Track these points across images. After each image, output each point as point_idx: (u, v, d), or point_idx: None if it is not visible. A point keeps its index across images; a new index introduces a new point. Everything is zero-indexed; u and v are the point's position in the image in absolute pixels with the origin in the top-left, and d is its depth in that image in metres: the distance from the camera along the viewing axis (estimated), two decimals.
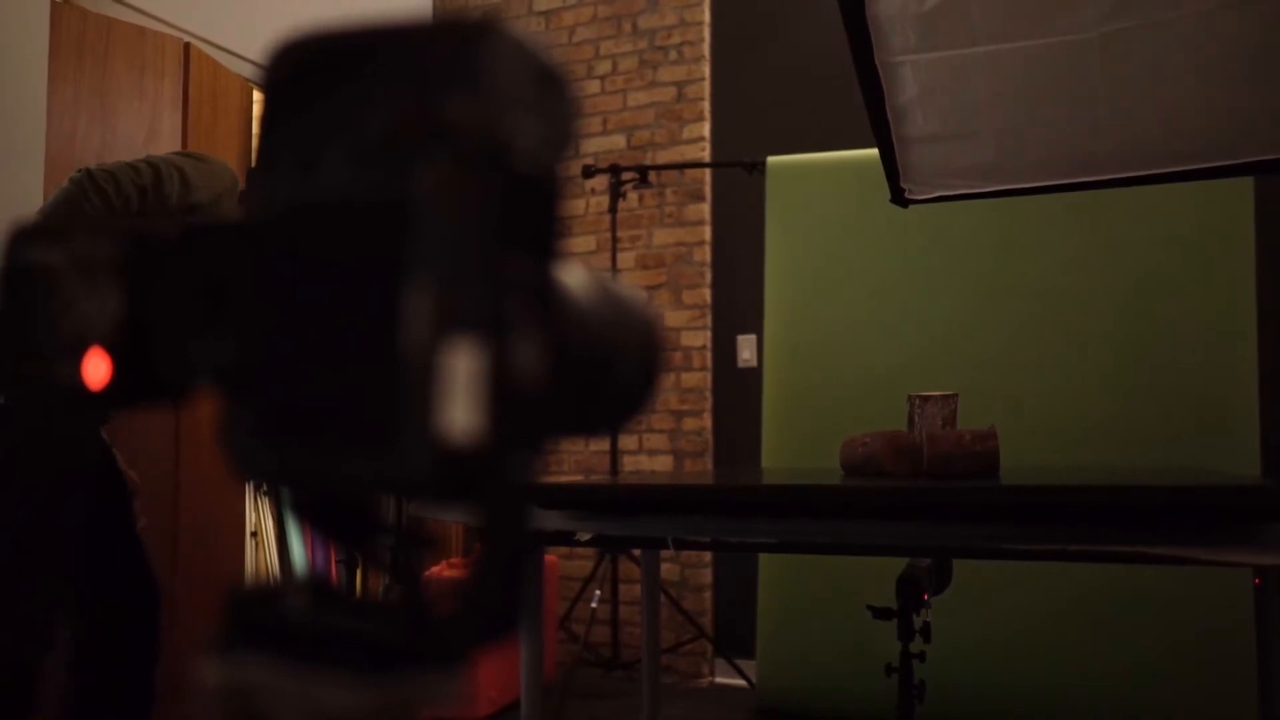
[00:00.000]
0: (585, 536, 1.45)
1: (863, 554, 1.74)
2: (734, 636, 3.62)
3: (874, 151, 2.16)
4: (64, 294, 0.29)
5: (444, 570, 3.16)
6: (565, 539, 1.44)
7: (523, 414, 0.26)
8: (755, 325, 3.53)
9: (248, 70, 3.34)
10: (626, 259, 3.96)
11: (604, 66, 4.09)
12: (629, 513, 1.40)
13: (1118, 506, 1.19)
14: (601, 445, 3.79)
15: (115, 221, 0.30)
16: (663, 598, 3.28)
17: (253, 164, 0.29)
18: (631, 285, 0.38)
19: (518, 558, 0.26)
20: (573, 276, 0.32)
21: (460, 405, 0.25)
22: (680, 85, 3.97)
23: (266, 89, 0.29)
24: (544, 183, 0.27)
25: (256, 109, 2.68)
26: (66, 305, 0.29)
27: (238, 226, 0.29)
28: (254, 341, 0.27)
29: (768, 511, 1.36)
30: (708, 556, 3.76)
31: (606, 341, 0.34)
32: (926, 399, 1.77)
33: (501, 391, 0.26)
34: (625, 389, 0.36)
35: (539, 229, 0.27)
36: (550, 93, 0.27)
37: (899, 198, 2.27)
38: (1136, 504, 1.19)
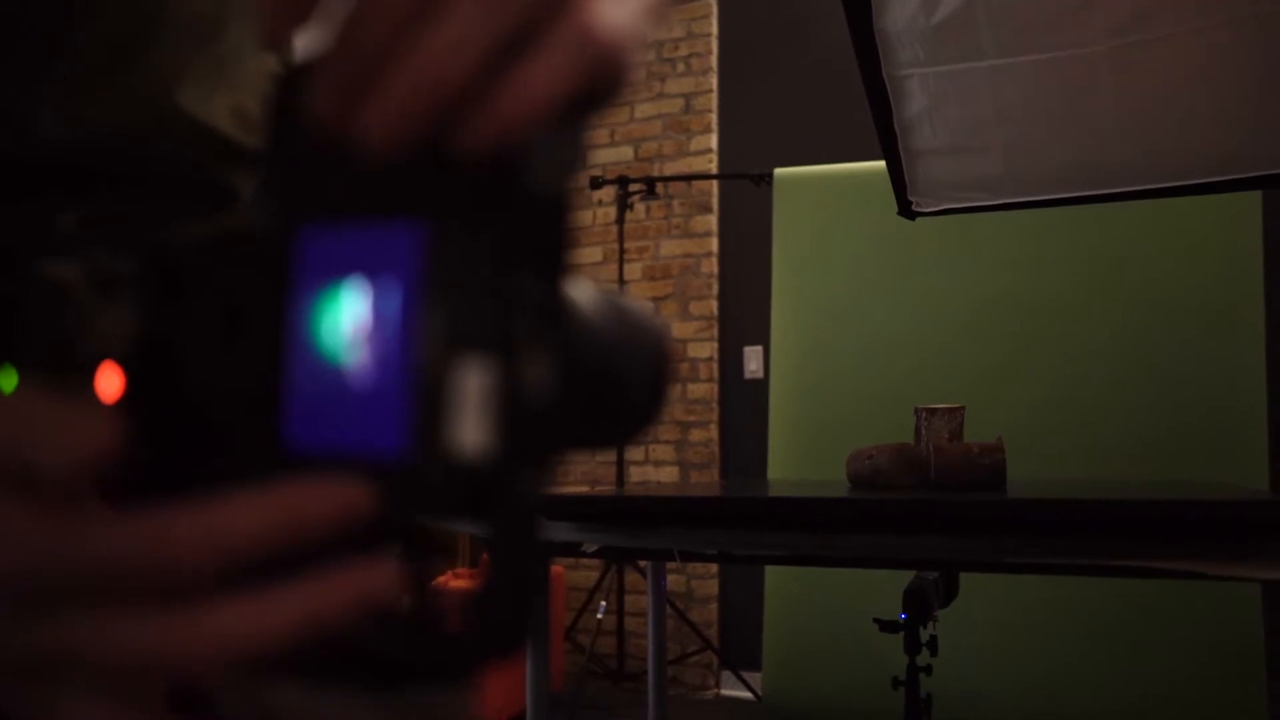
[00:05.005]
0: (591, 548, 1.45)
1: (869, 566, 1.74)
2: (740, 648, 3.61)
3: (882, 164, 2.17)
4: (81, 309, 0.30)
5: (451, 580, 3.16)
6: (571, 550, 1.44)
7: (532, 429, 0.27)
8: (762, 337, 3.53)
9: None
10: (633, 270, 3.96)
11: None
12: (635, 524, 1.40)
13: (1126, 520, 1.19)
14: (608, 456, 3.79)
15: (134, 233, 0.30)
16: (669, 609, 3.27)
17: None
18: (639, 299, 0.38)
19: (527, 573, 0.26)
20: (581, 292, 0.32)
21: (470, 421, 0.26)
22: (688, 97, 3.98)
23: (273, 112, 0.29)
24: (554, 201, 0.27)
25: None
26: (83, 321, 0.30)
27: (251, 243, 0.29)
28: (266, 358, 0.27)
29: (774, 523, 1.36)
30: (714, 568, 3.75)
31: (615, 356, 0.34)
32: (933, 411, 1.77)
33: (511, 407, 0.26)
34: (634, 402, 0.36)
35: (548, 246, 0.27)
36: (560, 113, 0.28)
37: (906, 210, 2.27)
38: (1144, 518, 1.18)
